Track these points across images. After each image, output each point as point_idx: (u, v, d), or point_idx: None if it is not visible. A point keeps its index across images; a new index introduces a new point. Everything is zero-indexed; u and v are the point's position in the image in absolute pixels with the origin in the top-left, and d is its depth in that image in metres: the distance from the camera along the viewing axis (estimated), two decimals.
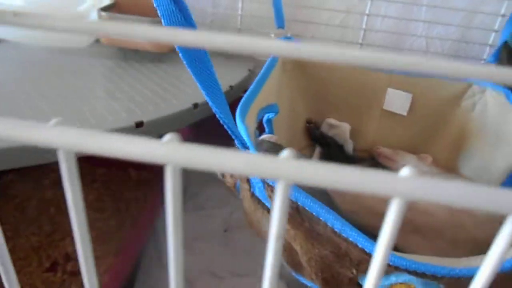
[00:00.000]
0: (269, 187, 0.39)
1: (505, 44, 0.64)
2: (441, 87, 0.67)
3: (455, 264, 0.39)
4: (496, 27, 0.77)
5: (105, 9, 0.76)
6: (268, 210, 0.43)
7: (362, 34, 0.83)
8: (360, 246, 0.37)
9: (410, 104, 0.68)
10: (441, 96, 0.67)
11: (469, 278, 0.37)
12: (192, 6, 0.84)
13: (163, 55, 0.81)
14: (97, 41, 0.79)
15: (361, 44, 0.83)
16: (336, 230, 0.37)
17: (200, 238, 0.77)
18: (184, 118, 0.65)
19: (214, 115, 0.43)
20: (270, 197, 0.39)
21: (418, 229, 0.49)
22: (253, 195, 0.44)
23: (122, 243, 0.72)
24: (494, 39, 0.78)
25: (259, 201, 0.43)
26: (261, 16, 0.85)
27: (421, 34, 0.82)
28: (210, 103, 0.37)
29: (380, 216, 0.46)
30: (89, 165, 0.88)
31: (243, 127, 0.44)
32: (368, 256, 0.38)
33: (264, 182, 0.39)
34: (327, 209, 0.37)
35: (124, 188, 0.84)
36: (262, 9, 0.85)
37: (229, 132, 0.39)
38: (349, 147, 0.71)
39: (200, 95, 0.66)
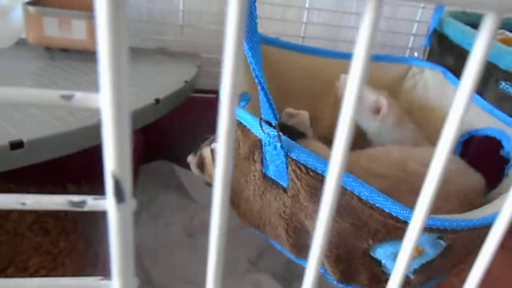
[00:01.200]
0: (293, 162, 0.38)
1: (435, 31, 0.72)
2: (386, 69, 0.72)
3: (460, 217, 0.42)
4: (418, 18, 0.86)
5: (31, 3, 0.67)
6: (284, 190, 0.41)
7: (303, 28, 0.86)
8: (387, 211, 0.38)
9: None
10: (387, 77, 0.73)
11: (471, 229, 0.41)
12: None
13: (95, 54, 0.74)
14: (22, 41, 0.69)
15: (302, 38, 0.86)
16: (362, 197, 0.38)
17: (164, 247, 0.72)
18: (147, 115, 0.60)
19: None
20: (295, 172, 0.38)
21: (412, 189, 0.51)
22: (265, 176, 0.42)
23: (78, 265, 0.63)
24: (417, 29, 0.87)
25: (272, 182, 0.42)
26: (202, 12, 0.83)
27: (354, 26, 0.88)
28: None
29: (377, 177, 0.47)
30: (18, 186, 0.76)
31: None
32: (394, 220, 0.39)
33: (288, 157, 0.38)
34: (353, 177, 0.37)
35: None
36: (203, 4, 0.83)
37: (266, 98, 0.37)
38: (310, 135, 0.73)
39: (160, 90, 0.63)
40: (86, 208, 0.15)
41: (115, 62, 0.12)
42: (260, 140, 0.40)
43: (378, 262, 0.46)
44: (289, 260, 0.71)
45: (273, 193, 0.43)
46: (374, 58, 0.71)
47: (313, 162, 0.37)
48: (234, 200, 0.53)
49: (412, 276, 0.47)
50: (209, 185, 0.63)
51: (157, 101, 0.60)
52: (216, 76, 0.88)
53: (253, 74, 0.35)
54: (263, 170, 0.42)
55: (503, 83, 0.61)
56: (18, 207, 0.14)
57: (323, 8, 0.85)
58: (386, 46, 0.90)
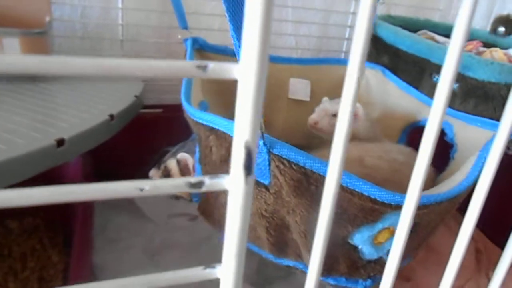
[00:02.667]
0: (276, 157, 0.38)
1: None
2: (332, 71, 0.76)
3: (428, 193, 0.45)
4: (349, 23, 0.93)
5: None
6: (266, 187, 0.42)
7: None
8: (366, 194, 0.40)
9: (310, 90, 0.75)
10: (333, 79, 0.77)
11: (439, 203, 0.44)
12: (59, 18, 0.75)
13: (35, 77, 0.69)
14: None
15: None
16: (343, 184, 0.39)
17: (127, 272, 0.68)
18: (102, 132, 0.57)
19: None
20: (278, 167, 0.38)
21: (373, 181, 0.54)
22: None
23: None
24: (350, 34, 0.94)
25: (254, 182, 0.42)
26: (140, 25, 0.81)
27: (291, 33, 0.92)
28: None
29: (368, 168, 0.50)
30: None
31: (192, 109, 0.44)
32: (372, 202, 0.41)
33: (270, 153, 0.38)
34: None
35: (8, 243, 0.67)
36: (141, 16, 0.81)
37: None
38: None
39: (112, 106, 0.60)
40: (204, 189, 0.14)
41: (262, 30, 0.12)
42: None
43: (356, 248, 0.48)
44: (260, 265, 0.71)
45: (254, 193, 0.43)
46: (319, 61, 0.75)
47: (295, 156, 0.38)
48: (206, 208, 0.52)
49: (386, 257, 0.49)
50: (177, 198, 0.61)
51: (112, 117, 0.58)
52: (161, 90, 0.86)
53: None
54: None
55: (436, 76, 0.67)
56: (137, 193, 0.13)
57: None
58: (322, 51, 0.95)
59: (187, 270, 0.16)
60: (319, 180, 0.39)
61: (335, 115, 0.64)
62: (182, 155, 0.51)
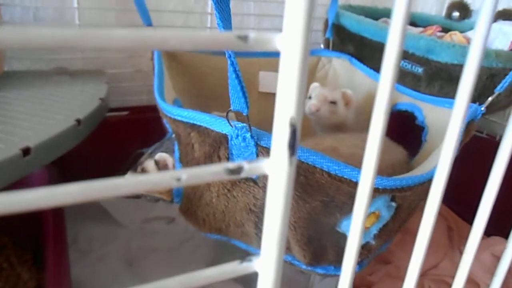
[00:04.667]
0: (264, 149, 0.37)
1: (333, 24, 0.79)
2: None
3: (409, 175, 0.46)
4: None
5: None
6: (254, 181, 0.41)
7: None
8: (355, 180, 0.40)
9: None
10: None
11: (420, 185, 0.45)
12: (9, 20, 0.70)
13: None
14: None
15: None
16: (332, 172, 0.39)
17: (105, 283, 0.64)
18: (70, 138, 0.53)
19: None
20: None
21: None
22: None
23: None
24: (313, 25, 0.94)
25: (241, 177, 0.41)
26: (98, 24, 0.78)
27: (253, 27, 0.91)
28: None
29: (343, 157, 0.50)
30: None
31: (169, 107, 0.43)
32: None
33: (258, 146, 0.37)
34: (321, 155, 0.39)
35: None
36: (98, 16, 0.78)
37: (239, 86, 0.35)
38: None
39: (78, 111, 0.57)
40: (243, 174, 0.13)
41: (304, 2, 0.11)
42: (224, 136, 0.39)
43: (344, 236, 0.48)
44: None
45: (242, 188, 0.42)
46: None
47: None
48: (189, 208, 0.51)
49: (373, 242, 0.50)
50: (156, 200, 0.58)
51: (79, 121, 0.54)
52: (125, 92, 0.83)
53: (226, 55, 0.34)
54: None
55: (402, 62, 0.69)
56: (174, 183, 0.12)
57: None
58: None
59: (222, 266, 0.14)
60: (308, 170, 0.39)
61: (333, 102, 0.64)
62: (160, 155, 0.49)
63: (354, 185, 0.41)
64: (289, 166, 0.13)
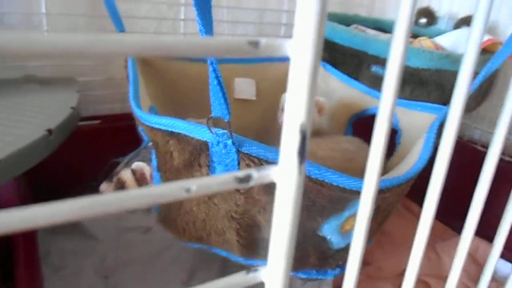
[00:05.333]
0: (246, 156, 0.37)
1: None
2: (274, 69, 0.77)
3: (388, 177, 0.47)
4: (284, 21, 0.94)
5: None
6: (236, 189, 0.40)
7: None
8: (335, 184, 0.40)
9: (255, 89, 0.75)
10: (276, 76, 0.77)
11: (399, 185, 0.46)
12: None
13: None
14: None
15: None
16: (313, 176, 0.39)
17: None
18: (40, 149, 0.51)
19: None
20: (248, 166, 0.37)
21: None
22: None
23: None
24: (285, 31, 0.95)
25: None
26: (68, 29, 0.75)
27: (228, 33, 0.92)
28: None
29: (321, 160, 0.51)
30: None
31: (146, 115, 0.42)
32: (341, 191, 0.41)
33: (239, 152, 0.37)
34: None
35: None
36: (67, 21, 0.75)
37: (221, 92, 0.35)
38: None
39: (49, 120, 0.55)
40: (251, 183, 0.13)
41: (316, 6, 0.11)
42: (205, 143, 0.38)
43: (325, 239, 0.48)
44: (222, 272, 0.69)
45: (223, 196, 0.41)
46: (260, 60, 0.75)
47: (264, 152, 0.37)
48: (168, 217, 0.50)
49: None
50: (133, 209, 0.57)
51: (50, 131, 0.53)
52: (96, 101, 0.81)
53: (208, 61, 0.33)
54: (210, 174, 0.40)
55: (374, 67, 0.70)
56: (184, 195, 0.11)
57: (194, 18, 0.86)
58: None
59: (229, 278, 0.14)
60: None
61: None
62: (137, 165, 0.48)
63: (334, 188, 0.41)
64: (299, 174, 0.13)
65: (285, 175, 0.13)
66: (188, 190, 0.12)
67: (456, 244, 0.79)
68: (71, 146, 0.62)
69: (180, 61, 0.69)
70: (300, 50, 0.12)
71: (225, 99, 0.35)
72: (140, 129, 0.55)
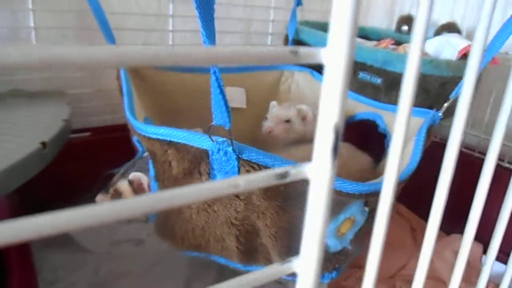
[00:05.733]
0: (246, 162, 0.38)
1: (293, 39, 0.82)
2: (263, 77, 0.78)
3: (380, 180, 0.48)
4: (270, 30, 0.96)
5: None
6: (235, 195, 0.41)
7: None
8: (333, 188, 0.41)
9: (246, 97, 0.76)
10: (266, 85, 0.79)
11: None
12: None
13: None
14: None
15: None
16: None
17: None
18: (35, 163, 0.51)
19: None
20: (248, 172, 0.38)
21: None
22: None
23: None
24: (272, 41, 0.97)
25: None
26: (56, 41, 0.75)
27: (218, 43, 0.92)
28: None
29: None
30: None
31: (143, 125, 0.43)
32: (338, 194, 0.42)
33: (239, 159, 0.38)
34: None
35: None
36: (56, 33, 0.75)
37: (223, 100, 0.36)
38: None
39: (42, 133, 0.55)
40: (288, 179, 0.13)
41: (352, 14, 0.12)
42: (205, 151, 0.39)
43: None
44: (219, 280, 0.69)
45: (223, 202, 0.42)
46: (250, 69, 0.77)
47: (264, 158, 0.38)
48: (166, 227, 0.50)
49: (349, 247, 0.52)
50: (129, 221, 0.57)
51: (44, 144, 0.52)
52: (85, 113, 0.81)
53: (211, 71, 0.34)
54: (210, 179, 0.41)
55: (361, 73, 0.72)
56: (233, 190, 0.12)
57: (187, 29, 0.87)
58: None
59: (265, 269, 0.15)
60: None
61: (287, 121, 0.65)
62: (134, 175, 0.48)
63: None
64: (332, 169, 0.14)
65: (319, 170, 0.14)
66: (236, 186, 0.13)
67: (443, 245, 0.81)
68: (62, 159, 0.61)
69: (173, 71, 0.70)
70: (335, 57, 0.13)
71: (227, 107, 0.35)
72: (135, 139, 0.56)
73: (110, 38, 0.62)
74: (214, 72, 0.33)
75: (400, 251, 0.79)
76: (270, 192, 0.40)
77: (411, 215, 0.89)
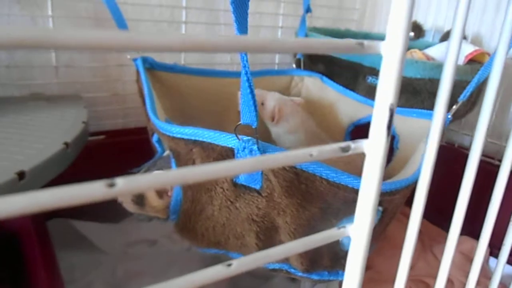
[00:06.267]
0: None
1: None
2: (273, 81, 0.80)
3: (395, 179, 0.50)
4: (278, 37, 0.98)
5: None
6: (257, 192, 0.43)
7: (183, 56, 0.88)
8: (350, 186, 0.43)
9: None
10: (276, 89, 0.80)
11: (406, 188, 0.49)
12: None
13: None
14: None
15: (183, 65, 0.88)
16: (330, 179, 0.42)
17: None
18: (59, 162, 0.53)
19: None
20: (272, 170, 0.40)
21: None
22: (235, 184, 0.43)
23: None
24: None
25: (245, 188, 0.43)
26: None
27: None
28: None
29: (324, 163, 0.53)
30: None
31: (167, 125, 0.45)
32: (356, 193, 0.44)
33: None
34: (319, 163, 0.42)
35: None
36: (75, 26, 0.77)
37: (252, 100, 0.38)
38: None
39: (64, 134, 0.56)
40: (350, 152, 0.16)
41: (407, 11, 0.14)
42: (230, 149, 0.41)
43: (338, 241, 0.51)
44: (232, 282, 0.70)
45: (245, 199, 0.44)
46: (262, 73, 0.79)
47: None
48: (187, 224, 0.51)
49: None
50: (150, 219, 0.58)
51: (67, 145, 0.54)
52: (101, 116, 0.83)
53: (242, 71, 0.36)
54: (234, 179, 0.43)
55: (370, 77, 0.74)
56: (308, 159, 0.14)
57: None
58: (256, 64, 0.99)
59: (321, 233, 0.17)
60: (309, 179, 0.42)
61: (262, 104, 0.68)
62: (156, 173, 0.50)
63: (350, 191, 0.44)
64: (386, 144, 0.16)
65: (374, 145, 0.16)
66: (311, 155, 0.15)
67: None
68: (79, 161, 0.63)
69: (187, 74, 0.72)
70: (391, 49, 0.15)
71: (255, 107, 0.37)
72: (154, 139, 0.57)
73: (122, 24, 0.64)
74: (246, 73, 0.35)
75: None
76: (291, 190, 0.42)
77: None
